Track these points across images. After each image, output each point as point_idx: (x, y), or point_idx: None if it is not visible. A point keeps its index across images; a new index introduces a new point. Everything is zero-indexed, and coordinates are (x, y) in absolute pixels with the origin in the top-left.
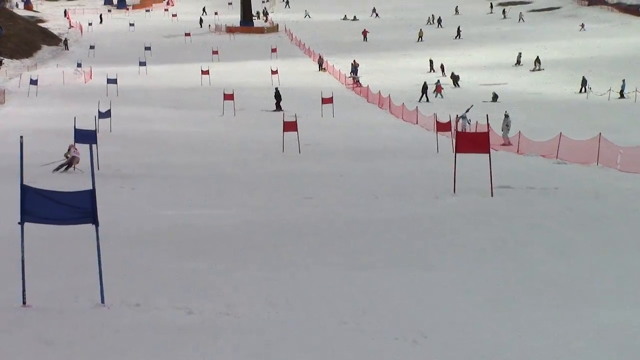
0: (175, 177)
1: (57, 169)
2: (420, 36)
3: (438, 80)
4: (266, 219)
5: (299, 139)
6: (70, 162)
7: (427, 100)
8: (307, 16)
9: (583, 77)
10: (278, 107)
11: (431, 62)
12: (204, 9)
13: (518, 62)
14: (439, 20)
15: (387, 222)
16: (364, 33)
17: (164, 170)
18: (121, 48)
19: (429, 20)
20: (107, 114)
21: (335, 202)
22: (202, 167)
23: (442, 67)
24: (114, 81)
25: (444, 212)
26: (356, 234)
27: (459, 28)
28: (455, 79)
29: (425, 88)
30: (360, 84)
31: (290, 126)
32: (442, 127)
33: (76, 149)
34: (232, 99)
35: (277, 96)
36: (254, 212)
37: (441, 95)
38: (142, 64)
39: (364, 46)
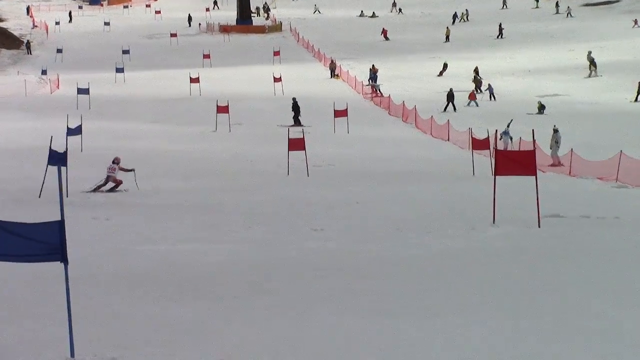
0: (159, 205)
1: (95, 189)
2: (447, 36)
3: (482, 83)
4: (268, 256)
5: (307, 160)
6: (109, 182)
7: (455, 109)
8: (317, 11)
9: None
10: (296, 121)
11: (445, 66)
12: (213, 4)
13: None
14: (464, 15)
15: (414, 260)
16: (384, 32)
17: (145, 198)
18: (94, 52)
19: (455, 17)
20: (77, 131)
21: (350, 236)
22: (190, 194)
23: (476, 70)
24: (86, 91)
25: (482, 247)
26: (377, 274)
27: (500, 26)
28: (478, 83)
29: (451, 96)
30: (381, 93)
31: (296, 144)
32: (479, 144)
33: (113, 167)
34: (227, 111)
35: (296, 108)
36: (253, 247)
37: (475, 103)
38: (120, 70)
39: (384, 48)
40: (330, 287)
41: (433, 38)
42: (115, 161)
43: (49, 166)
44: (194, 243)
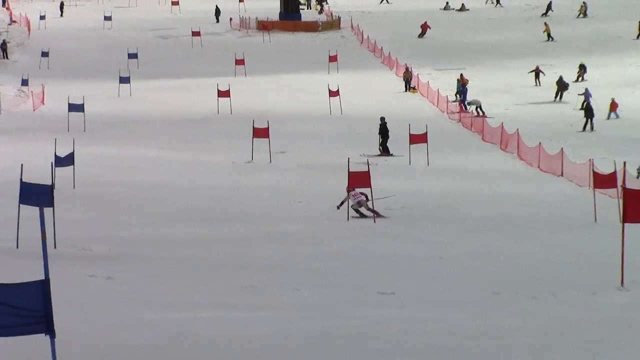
0: (175, 259)
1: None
2: (548, 33)
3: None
4: (321, 328)
5: (373, 200)
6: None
7: (592, 128)
8: (385, 1)
9: None
10: (385, 149)
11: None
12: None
13: None
14: (582, 8)
15: (516, 334)
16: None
17: (157, 249)
18: (91, 55)
19: (549, 8)
20: (68, 160)
21: (430, 302)
22: (216, 245)
23: (582, 67)
24: (80, 108)
25: (606, 318)
26: (468, 353)
27: None
28: (562, 86)
29: (589, 111)
30: (482, 113)
31: (359, 180)
32: (603, 181)
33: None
34: (267, 135)
35: (384, 131)
36: (299, 316)
37: (616, 114)
38: (124, 80)
39: (474, 51)
40: None
41: (536, 37)
42: None
43: (22, 206)
44: (221, 310)
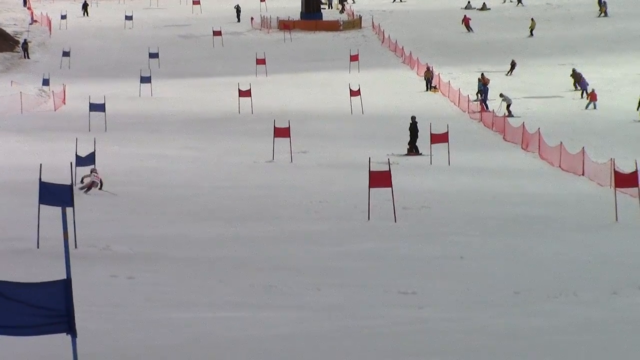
0: (196, 259)
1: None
2: (532, 29)
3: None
4: (343, 328)
5: (393, 200)
6: (89, 186)
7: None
8: (399, 0)
9: None
10: (413, 148)
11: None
12: None
13: None
14: (603, 7)
15: (539, 334)
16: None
17: (180, 249)
18: (112, 55)
19: (602, 7)
20: (89, 160)
21: (451, 302)
22: (237, 244)
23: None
24: (101, 107)
25: (628, 317)
26: (491, 353)
27: None
28: (577, 78)
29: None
30: (508, 113)
31: (380, 179)
32: (624, 180)
33: (97, 174)
34: (288, 135)
35: (414, 131)
36: (323, 316)
37: (594, 105)
38: (145, 80)
39: (496, 51)
40: None
41: (564, 38)
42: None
43: (42, 205)
44: (242, 310)
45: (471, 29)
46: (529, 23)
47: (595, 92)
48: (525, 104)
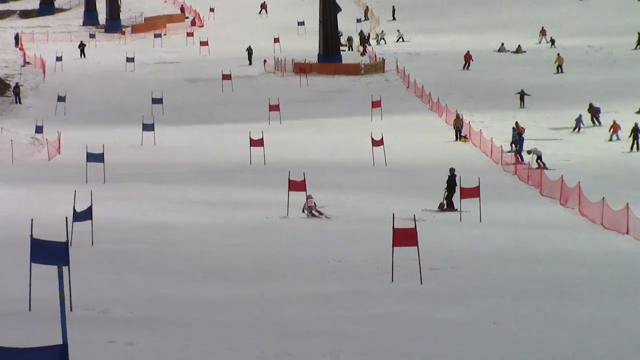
0: (202, 323)
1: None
2: (559, 65)
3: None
4: None
5: (419, 259)
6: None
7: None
8: (401, 39)
9: None
10: (449, 203)
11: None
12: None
13: None
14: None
15: None
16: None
17: (184, 313)
18: (112, 100)
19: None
20: (86, 215)
21: None
22: (248, 307)
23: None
24: (99, 158)
25: None
26: None
27: None
28: (594, 113)
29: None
30: (541, 163)
31: (403, 237)
32: None
33: (311, 198)
34: (304, 189)
35: (451, 184)
36: None
37: (617, 136)
38: (148, 127)
39: (533, 96)
40: None
41: (602, 81)
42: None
43: (34, 265)
44: None
45: (469, 66)
46: (555, 59)
47: (617, 122)
48: (560, 153)
